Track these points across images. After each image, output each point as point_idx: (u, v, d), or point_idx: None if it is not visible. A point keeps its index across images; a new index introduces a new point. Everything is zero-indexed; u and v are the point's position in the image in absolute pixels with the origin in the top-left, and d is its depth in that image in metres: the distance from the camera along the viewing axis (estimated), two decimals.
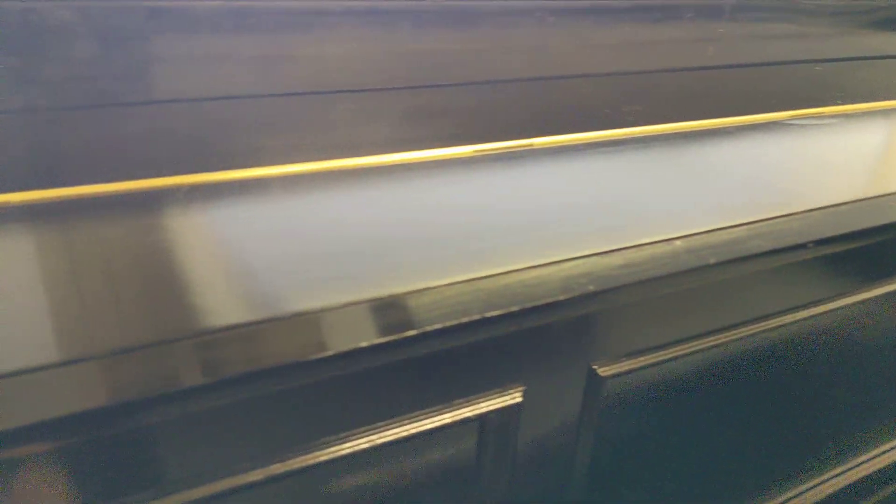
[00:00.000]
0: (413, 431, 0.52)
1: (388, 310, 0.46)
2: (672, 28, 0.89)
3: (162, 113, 0.66)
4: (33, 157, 0.60)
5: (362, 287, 0.47)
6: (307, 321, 0.44)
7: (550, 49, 0.82)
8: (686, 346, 0.64)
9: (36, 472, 0.36)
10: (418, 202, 0.60)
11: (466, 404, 0.54)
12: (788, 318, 0.72)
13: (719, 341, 0.67)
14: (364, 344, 0.43)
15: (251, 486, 0.46)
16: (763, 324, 0.69)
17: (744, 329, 0.68)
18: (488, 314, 0.47)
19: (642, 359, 0.62)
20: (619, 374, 0.61)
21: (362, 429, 0.50)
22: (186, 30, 0.65)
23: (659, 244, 0.56)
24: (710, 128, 0.85)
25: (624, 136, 0.78)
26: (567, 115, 0.83)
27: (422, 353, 0.49)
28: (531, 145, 0.74)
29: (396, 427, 0.51)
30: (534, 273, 0.51)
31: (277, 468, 0.47)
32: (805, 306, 0.73)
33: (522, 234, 0.56)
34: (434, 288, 0.48)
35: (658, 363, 0.63)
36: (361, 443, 0.50)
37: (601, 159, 0.72)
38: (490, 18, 0.75)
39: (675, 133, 0.81)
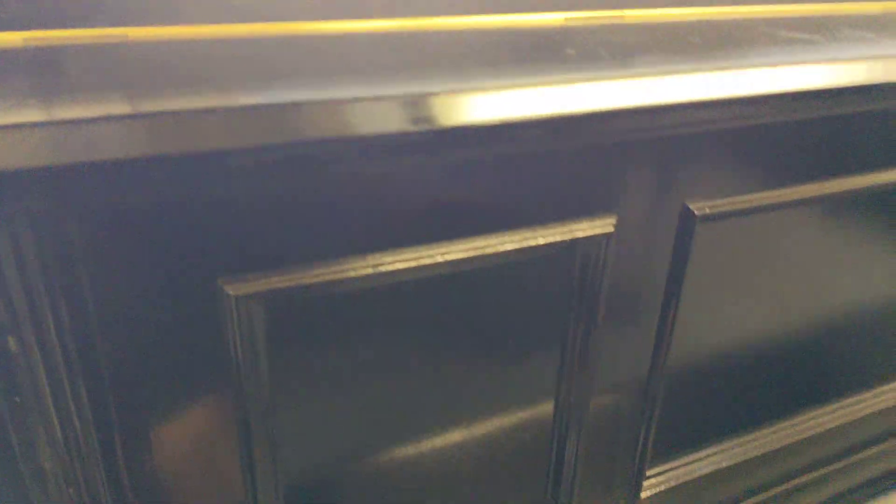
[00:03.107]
0: (511, 247, 0.53)
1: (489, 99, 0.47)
2: None
3: None
4: None
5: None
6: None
7: None
8: (790, 190, 0.62)
9: None
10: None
11: (560, 226, 0.54)
12: None
13: (828, 190, 0.65)
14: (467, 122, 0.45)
15: (352, 280, 0.49)
16: (880, 174, 0.67)
17: (860, 178, 0.67)
18: (585, 110, 0.48)
19: (740, 200, 0.60)
20: (713, 216, 0.60)
21: (461, 238, 0.51)
22: None
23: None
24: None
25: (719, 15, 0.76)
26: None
27: (518, 153, 0.50)
28: (622, 17, 0.74)
29: (495, 240, 0.52)
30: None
31: (370, 266, 0.49)
32: None
33: None
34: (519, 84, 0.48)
35: (757, 208, 0.61)
36: (459, 249, 0.51)
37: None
38: None
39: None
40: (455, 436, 0.62)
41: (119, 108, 0.37)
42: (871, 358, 0.86)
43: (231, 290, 0.45)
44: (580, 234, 0.55)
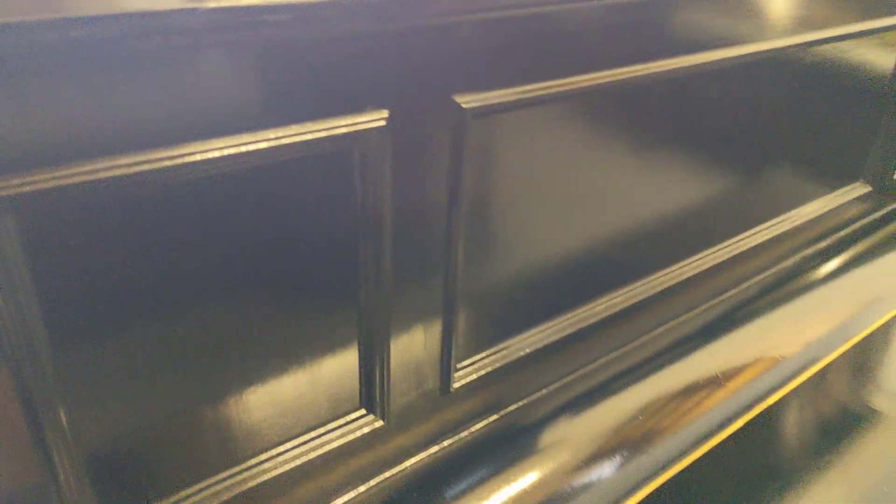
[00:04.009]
0: (284, 142, 0.54)
1: None
2: None
3: None
4: None
5: None
6: None
7: None
8: (561, 82, 0.67)
9: None
10: None
11: (332, 122, 0.56)
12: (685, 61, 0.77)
13: (596, 81, 0.70)
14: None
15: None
16: (645, 66, 0.73)
17: (635, 69, 0.73)
18: None
19: (509, 93, 0.64)
20: (483, 109, 0.63)
21: (228, 135, 0.51)
22: None
23: None
24: None
25: None
26: None
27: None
28: None
29: (264, 135, 0.53)
30: None
31: (129, 164, 0.48)
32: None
33: None
34: None
35: (528, 101, 0.65)
36: (227, 146, 0.51)
37: None
38: None
39: None
40: (266, 369, 0.63)
41: None
42: (662, 242, 0.96)
43: None
44: (351, 129, 0.56)
